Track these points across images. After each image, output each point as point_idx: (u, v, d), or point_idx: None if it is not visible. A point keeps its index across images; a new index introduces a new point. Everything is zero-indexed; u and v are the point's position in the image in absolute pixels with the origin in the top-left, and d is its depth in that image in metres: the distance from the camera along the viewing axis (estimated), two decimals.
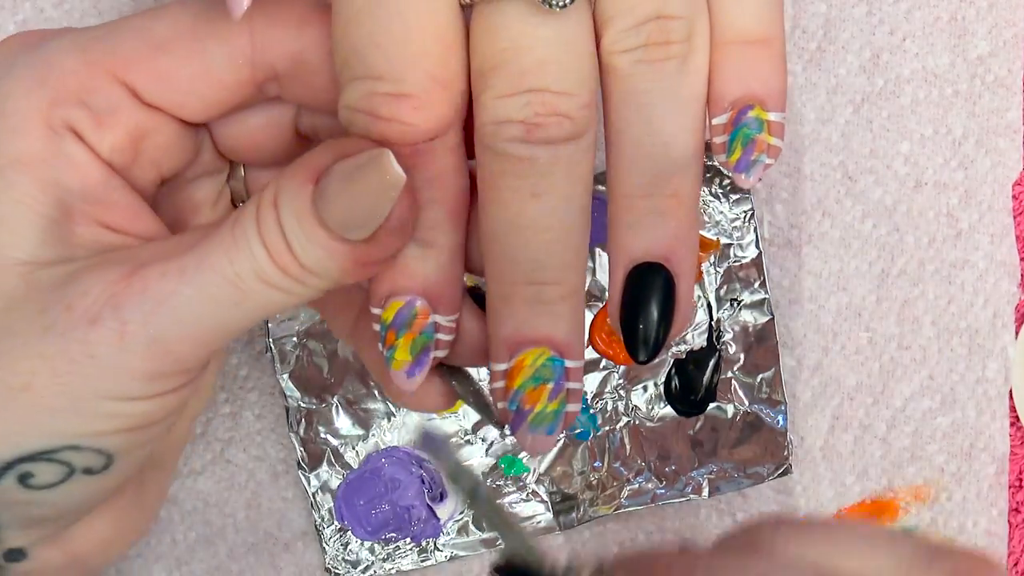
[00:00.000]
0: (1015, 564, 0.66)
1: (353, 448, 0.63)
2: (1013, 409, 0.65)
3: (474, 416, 0.63)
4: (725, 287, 0.63)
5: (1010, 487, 0.65)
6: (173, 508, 0.64)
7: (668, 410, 0.63)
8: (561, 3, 0.41)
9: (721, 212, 0.62)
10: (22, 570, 0.47)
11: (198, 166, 0.49)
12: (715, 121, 0.45)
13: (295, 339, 0.62)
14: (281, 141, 0.49)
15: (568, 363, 0.44)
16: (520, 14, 0.42)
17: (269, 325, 0.62)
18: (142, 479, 0.51)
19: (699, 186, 0.45)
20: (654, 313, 0.45)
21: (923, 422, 0.65)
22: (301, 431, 0.63)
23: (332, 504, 0.63)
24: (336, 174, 0.41)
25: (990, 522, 0.65)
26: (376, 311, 0.44)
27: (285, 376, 0.62)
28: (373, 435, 0.63)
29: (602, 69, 0.44)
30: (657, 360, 0.48)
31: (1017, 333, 0.65)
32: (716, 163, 0.49)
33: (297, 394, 0.62)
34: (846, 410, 0.65)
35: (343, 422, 0.63)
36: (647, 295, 0.45)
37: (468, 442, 0.63)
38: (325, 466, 0.63)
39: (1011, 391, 0.65)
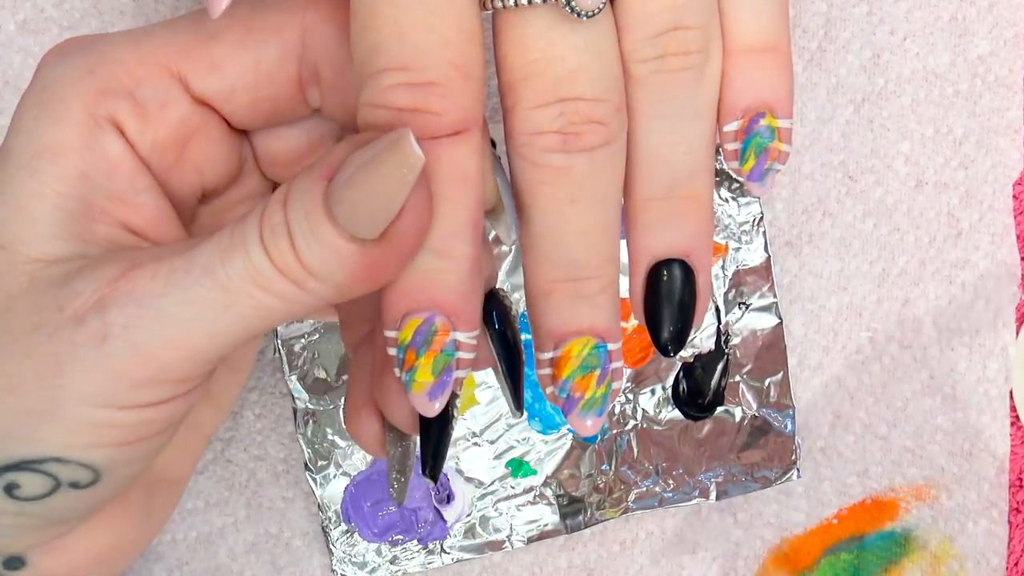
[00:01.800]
0: (1015, 564, 0.66)
1: (360, 450, 0.63)
2: (1013, 409, 0.65)
3: (481, 419, 0.63)
4: (733, 291, 0.63)
5: (1010, 487, 0.66)
6: None
7: (676, 414, 0.64)
8: (589, 12, 0.41)
9: (730, 216, 0.62)
10: None
11: (243, 187, 0.49)
12: (726, 128, 0.46)
13: (303, 340, 0.62)
14: None
15: (610, 346, 0.45)
16: (548, 24, 0.42)
17: (277, 327, 0.62)
18: (150, 491, 0.50)
19: (713, 184, 0.46)
20: (678, 306, 0.46)
21: (923, 422, 0.65)
22: (308, 432, 0.63)
23: (339, 506, 0.63)
24: (351, 163, 0.39)
25: (990, 522, 0.66)
26: (392, 334, 0.43)
27: (293, 377, 0.62)
28: None
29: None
30: (675, 356, 0.49)
31: (1017, 333, 0.65)
32: (725, 167, 0.50)
33: (305, 396, 0.62)
34: (847, 410, 0.65)
35: None
36: (671, 289, 0.46)
37: (475, 444, 0.63)
38: (332, 468, 0.63)
39: (1011, 391, 0.65)
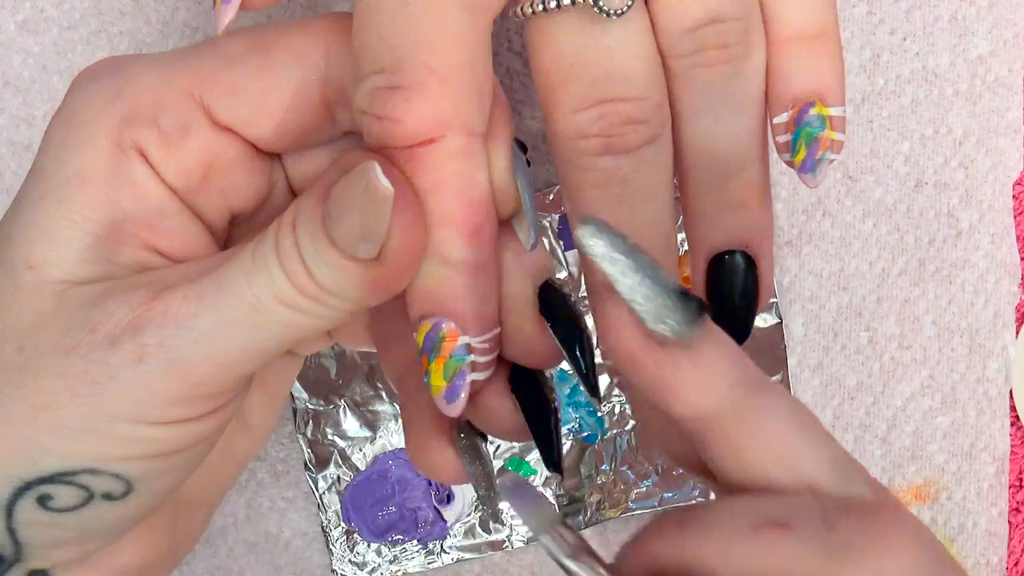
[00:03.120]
0: (1015, 564, 0.66)
1: (360, 450, 0.63)
2: (1013, 409, 0.65)
3: None
4: None
5: (1010, 487, 0.66)
6: None
7: None
8: (619, 10, 0.41)
9: None
10: None
11: (273, 207, 0.49)
12: (776, 120, 0.45)
13: None
14: None
15: None
16: (580, 26, 0.41)
17: None
18: (176, 513, 0.50)
19: (767, 172, 0.46)
20: (742, 295, 0.46)
21: (923, 422, 0.65)
22: (308, 432, 0.63)
23: (339, 506, 0.63)
24: (337, 191, 0.40)
25: (990, 522, 0.65)
26: (415, 336, 0.43)
27: None
28: (380, 437, 0.63)
29: None
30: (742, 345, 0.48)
31: (1017, 333, 0.65)
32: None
33: (305, 395, 0.62)
34: (846, 410, 0.65)
35: (351, 424, 0.63)
36: (733, 280, 0.46)
37: None
38: (332, 468, 0.63)
39: (1011, 391, 0.65)
